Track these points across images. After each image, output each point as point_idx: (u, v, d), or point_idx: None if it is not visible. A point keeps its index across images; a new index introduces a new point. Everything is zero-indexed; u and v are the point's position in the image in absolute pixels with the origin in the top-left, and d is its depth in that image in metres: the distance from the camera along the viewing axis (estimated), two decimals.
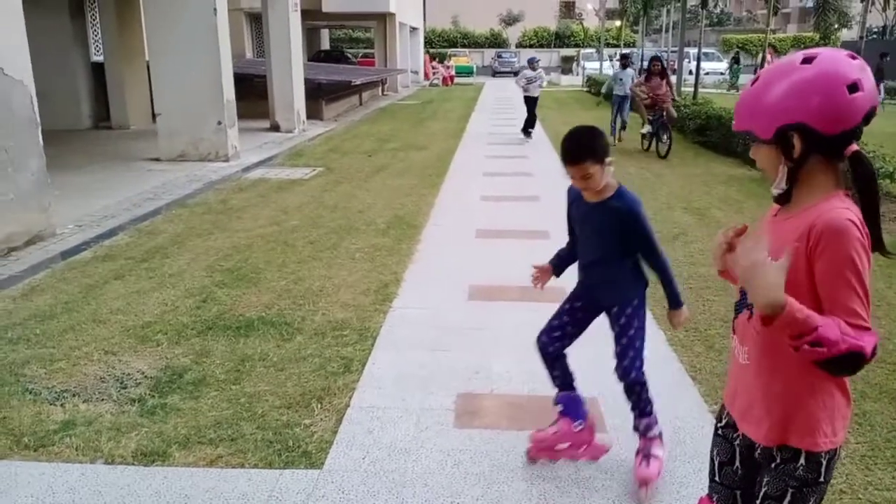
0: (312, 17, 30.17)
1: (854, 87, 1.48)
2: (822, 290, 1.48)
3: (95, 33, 16.21)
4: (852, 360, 1.42)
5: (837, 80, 1.49)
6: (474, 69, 47.43)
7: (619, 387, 3.68)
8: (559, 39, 61.40)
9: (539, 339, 2.93)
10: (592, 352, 4.03)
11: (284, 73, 14.82)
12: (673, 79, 13.95)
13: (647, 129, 12.19)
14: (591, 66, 38.10)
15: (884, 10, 27.81)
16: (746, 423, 1.70)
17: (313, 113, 17.02)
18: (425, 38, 46.99)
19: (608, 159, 2.62)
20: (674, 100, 12.30)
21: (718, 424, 1.84)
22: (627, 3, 36.69)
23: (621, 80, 13.32)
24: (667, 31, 42.55)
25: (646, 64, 19.24)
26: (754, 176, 9.41)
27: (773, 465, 1.65)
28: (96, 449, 3.11)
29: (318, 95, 17.68)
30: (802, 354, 1.44)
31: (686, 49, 22.15)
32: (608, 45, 45.73)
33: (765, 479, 1.68)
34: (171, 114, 10.71)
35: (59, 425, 3.30)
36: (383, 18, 32.20)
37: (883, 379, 3.74)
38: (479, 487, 2.86)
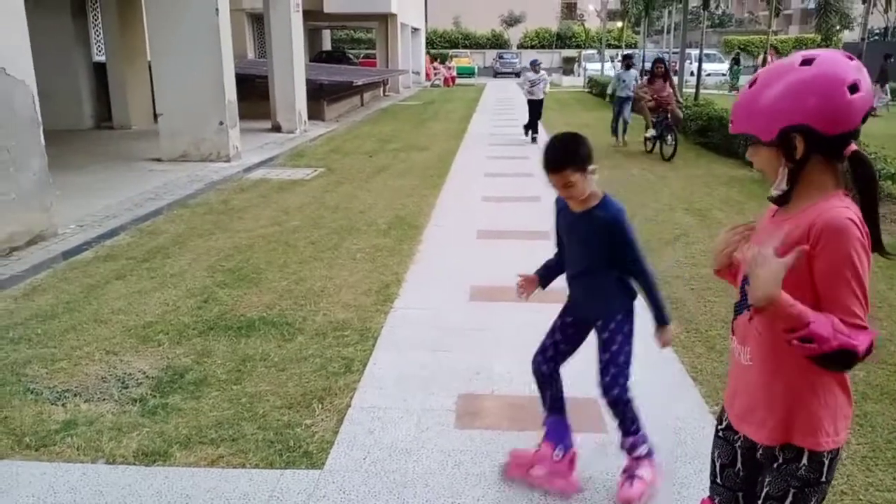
0: (314, 17, 30.20)
1: (854, 87, 1.49)
2: (821, 288, 1.49)
3: (97, 33, 16.24)
4: (843, 357, 1.45)
5: (838, 81, 1.49)
6: (476, 70, 47.44)
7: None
8: (561, 40, 61.39)
9: (534, 359, 2.87)
10: (589, 353, 4.03)
11: (286, 73, 14.83)
12: (675, 80, 13.89)
13: (650, 132, 12.09)
14: (593, 68, 38.10)
15: (885, 11, 27.79)
16: (747, 423, 1.70)
17: (315, 113, 17.03)
18: (427, 38, 47.03)
19: (591, 167, 2.55)
20: (678, 101, 12.23)
21: (719, 426, 1.84)
22: (629, 4, 36.69)
23: (624, 81, 13.24)
24: (668, 32, 42.53)
25: (647, 65, 19.18)
26: (755, 177, 9.41)
27: (775, 466, 1.65)
28: (97, 449, 3.12)
29: (320, 96, 17.69)
30: (796, 350, 1.46)
31: (687, 50, 22.14)
32: (609, 46, 45.75)
33: (766, 480, 1.68)
34: (173, 114, 10.72)
35: (61, 425, 3.30)
36: (385, 19, 32.22)
37: (884, 380, 3.74)
38: (480, 488, 2.86)
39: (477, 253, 6.24)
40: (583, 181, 2.54)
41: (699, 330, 4.48)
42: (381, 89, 28.58)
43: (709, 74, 30.68)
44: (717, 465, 1.85)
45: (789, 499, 1.63)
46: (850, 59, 1.54)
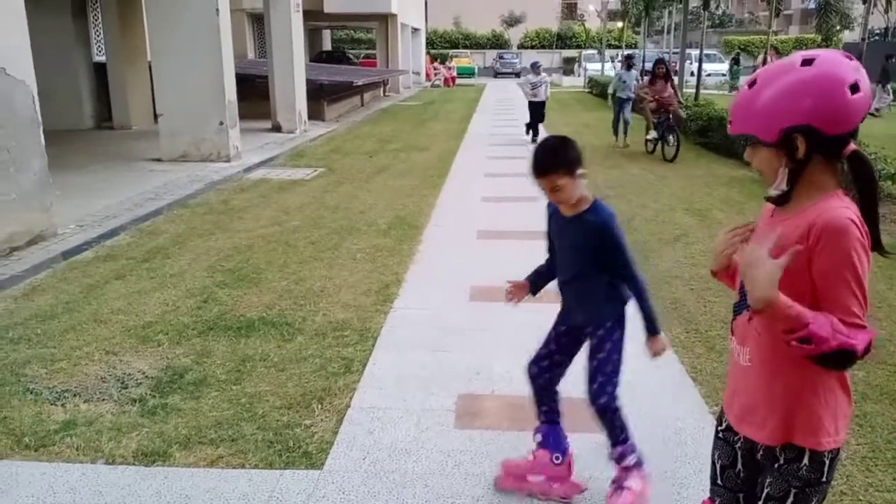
0: (314, 17, 30.20)
1: (855, 87, 1.49)
2: (820, 288, 1.50)
3: (97, 33, 16.24)
4: (842, 357, 1.45)
5: (840, 81, 1.49)
6: (476, 70, 47.44)
7: (620, 388, 3.68)
8: (561, 40, 61.39)
9: (528, 368, 2.81)
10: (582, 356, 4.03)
11: (286, 73, 14.83)
12: (675, 80, 13.81)
13: (652, 135, 12.00)
14: (593, 68, 38.09)
15: (886, 11, 27.78)
16: (747, 424, 1.70)
17: (315, 113, 17.03)
18: (427, 39, 47.02)
19: (580, 171, 2.50)
20: (679, 102, 12.14)
21: (719, 428, 1.84)
22: (629, 5, 36.67)
23: (624, 81, 13.14)
24: (668, 32, 42.52)
25: (648, 66, 19.12)
26: (755, 177, 9.39)
27: (776, 466, 1.65)
28: (97, 449, 3.12)
29: (320, 96, 17.69)
30: (793, 350, 1.46)
31: (688, 50, 22.14)
32: (610, 46, 45.74)
33: (767, 480, 1.67)
34: (173, 114, 10.72)
35: (60, 425, 3.30)
36: (385, 19, 32.23)
37: (884, 380, 3.73)
38: (480, 488, 2.86)
39: (477, 253, 6.23)
40: (571, 185, 2.50)
41: (699, 330, 4.48)
42: (382, 89, 28.59)
43: (709, 75, 30.65)
44: (718, 466, 1.84)
45: (790, 499, 1.63)
46: (850, 58, 1.54)
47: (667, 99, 11.63)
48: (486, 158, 11.84)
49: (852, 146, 1.56)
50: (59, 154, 9.75)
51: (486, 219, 7.46)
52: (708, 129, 12.65)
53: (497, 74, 49.11)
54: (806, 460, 1.61)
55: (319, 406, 3.50)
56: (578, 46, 56.82)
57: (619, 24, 45.63)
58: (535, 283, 2.82)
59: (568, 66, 50.00)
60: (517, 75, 47.85)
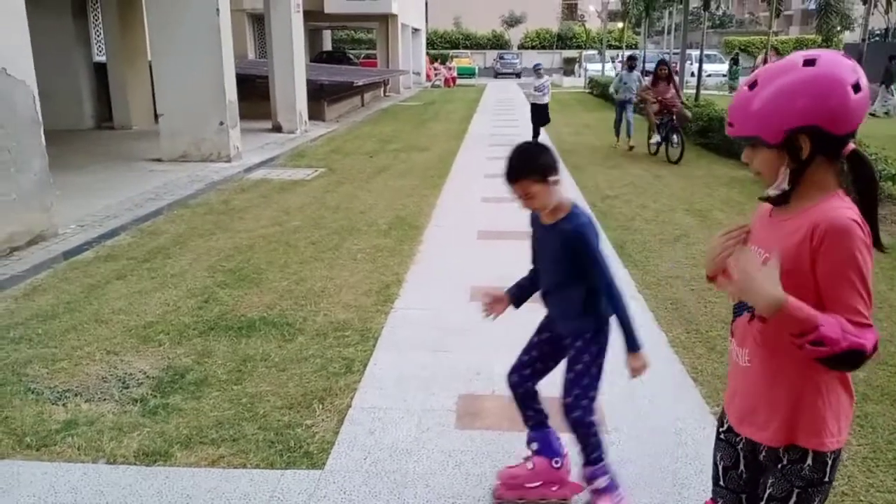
0: (315, 18, 30.23)
1: (857, 86, 1.50)
2: (825, 288, 1.50)
3: (98, 33, 16.25)
4: (853, 357, 1.45)
5: (843, 81, 1.49)
6: (476, 70, 47.44)
7: (620, 388, 3.69)
8: (561, 41, 61.38)
9: (509, 377, 2.75)
10: None
11: (287, 73, 14.83)
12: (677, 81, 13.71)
13: (655, 139, 11.86)
14: (594, 68, 38.11)
15: (886, 12, 27.78)
16: (747, 425, 1.70)
17: (315, 114, 17.04)
18: (427, 39, 47.03)
19: (553, 178, 2.43)
20: (683, 102, 12.00)
21: (720, 429, 1.84)
22: (630, 5, 36.68)
23: (625, 83, 12.94)
24: (669, 32, 42.51)
25: (648, 66, 19.08)
26: (756, 178, 9.40)
27: (779, 467, 1.65)
28: (98, 449, 3.12)
29: (321, 96, 17.70)
30: (805, 352, 1.45)
31: (688, 51, 22.13)
32: (610, 46, 45.73)
33: (769, 481, 1.68)
34: (174, 114, 10.72)
35: (62, 425, 3.30)
36: (385, 20, 32.25)
37: (885, 381, 3.74)
38: (481, 488, 2.86)
39: (477, 253, 6.23)
40: (545, 192, 2.44)
41: (699, 330, 4.48)
42: (382, 90, 28.60)
43: (709, 75, 30.65)
44: (720, 467, 1.84)
45: (793, 499, 1.63)
46: (848, 58, 1.55)
47: (669, 100, 11.54)
48: (487, 159, 11.83)
49: (851, 145, 1.56)
50: (60, 154, 9.75)
51: (486, 219, 7.46)
52: (708, 130, 12.63)
53: (497, 75, 49.10)
54: (809, 461, 1.61)
55: (320, 406, 3.51)
56: (579, 47, 56.84)
57: (620, 25, 45.65)
58: (517, 295, 2.74)
59: (568, 67, 50.01)
60: (518, 76, 47.85)
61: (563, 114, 19.97)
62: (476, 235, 6.80)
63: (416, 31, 38.04)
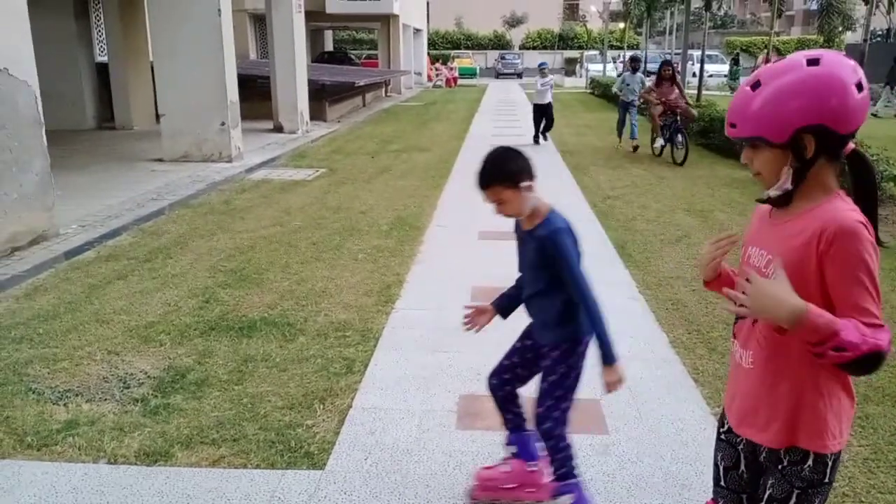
0: (316, 18, 30.22)
1: (860, 86, 1.50)
2: (835, 290, 1.49)
3: (100, 34, 16.27)
4: (873, 360, 1.43)
5: (847, 80, 1.50)
6: (477, 71, 47.45)
7: (621, 389, 3.69)
8: (563, 41, 61.35)
9: (489, 380, 2.73)
10: (591, 354, 4.03)
11: (288, 74, 14.84)
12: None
13: (659, 142, 11.74)
14: (595, 68, 38.09)
15: (888, 12, 27.75)
16: (747, 426, 1.70)
17: (317, 114, 17.04)
18: (429, 39, 47.02)
19: (524, 183, 2.37)
20: (687, 103, 11.87)
21: (721, 430, 1.84)
22: (631, 6, 36.66)
23: (628, 84, 12.80)
24: (670, 33, 42.52)
25: (650, 66, 19.01)
26: (756, 179, 9.39)
27: (779, 468, 1.65)
28: (99, 449, 3.12)
29: (322, 96, 17.70)
30: (827, 360, 1.43)
31: (689, 51, 22.13)
32: (612, 47, 45.72)
33: (769, 482, 1.67)
34: (175, 114, 10.73)
35: (63, 425, 3.31)
36: (387, 20, 32.25)
37: (886, 382, 3.73)
38: None
39: (478, 254, 6.23)
40: (516, 199, 2.38)
41: (700, 331, 4.48)
42: (383, 90, 28.61)
43: (711, 76, 30.66)
44: (721, 467, 1.84)
45: (793, 500, 1.63)
46: (848, 58, 1.55)
47: (673, 101, 11.42)
48: None
49: (851, 145, 1.56)
50: (61, 154, 9.77)
51: (487, 220, 7.43)
52: (710, 130, 12.61)
53: (499, 75, 49.09)
54: (809, 462, 1.61)
55: (321, 406, 3.51)
56: (580, 47, 56.79)
57: (621, 25, 45.65)
58: (503, 306, 2.69)
59: (570, 67, 50.00)
60: (519, 76, 47.83)
61: (565, 114, 19.95)
62: (477, 236, 6.80)
63: (417, 31, 38.05)
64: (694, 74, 24.06)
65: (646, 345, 4.30)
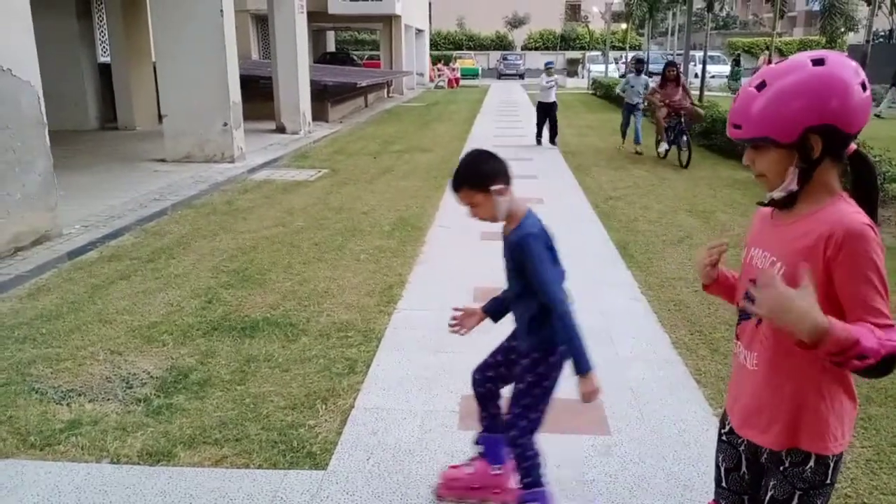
0: (318, 19, 30.27)
1: (864, 85, 1.50)
2: (844, 291, 1.48)
3: (102, 34, 16.29)
4: (890, 362, 1.42)
5: (853, 80, 1.50)
6: (479, 71, 47.45)
7: (623, 390, 3.69)
8: (565, 42, 61.33)
9: (473, 374, 2.70)
10: (594, 355, 4.03)
11: (290, 74, 14.85)
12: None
13: (664, 146, 11.61)
14: (597, 69, 38.10)
15: (891, 13, 27.71)
16: (750, 427, 1.70)
17: (319, 115, 17.05)
18: (431, 40, 47.02)
19: (496, 187, 2.32)
20: (692, 103, 11.69)
21: (722, 431, 1.84)
22: (633, 6, 36.67)
23: (632, 86, 12.66)
24: (672, 34, 42.50)
25: (651, 67, 18.95)
26: (758, 180, 9.38)
27: (780, 469, 1.65)
28: (102, 448, 3.13)
29: (324, 97, 17.72)
30: (849, 367, 1.42)
31: (692, 52, 22.12)
32: (614, 47, 45.72)
33: (771, 483, 1.67)
34: (177, 115, 10.74)
35: (65, 425, 3.31)
36: (389, 21, 32.28)
37: (888, 383, 3.73)
38: None
39: (480, 254, 6.22)
40: (487, 203, 2.34)
41: (703, 332, 4.47)
42: (385, 91, 28.62)
43: (713, 76, 30.67)
44: (722, 469, 1.84)
45: (795, 501, 1.63)
46: (850, 59, 1.56)
47: (677, 102, 11.28)
48: None
49: (853, 146, 1.56)
50: (64, 154, 9.79)
51: None
52: (712, 132, 12.60)
53: (501, 76, 49.09)
54: (811, 463, 1.61)
55: (323, 406, 3.51)
56: (582, 48, 56.75)
57: (623, 26, 45.61)
58: (494, 310, 2.64)
59: (572, 68, 49.97)
60: (521, 77, 47.82)
61: (567, 115, 19.95)
62: (479, 236, 6.80)
63: (419, 31, 38.06)
64: (696, 75, 24.05)
65: (648, 346, 4.30)
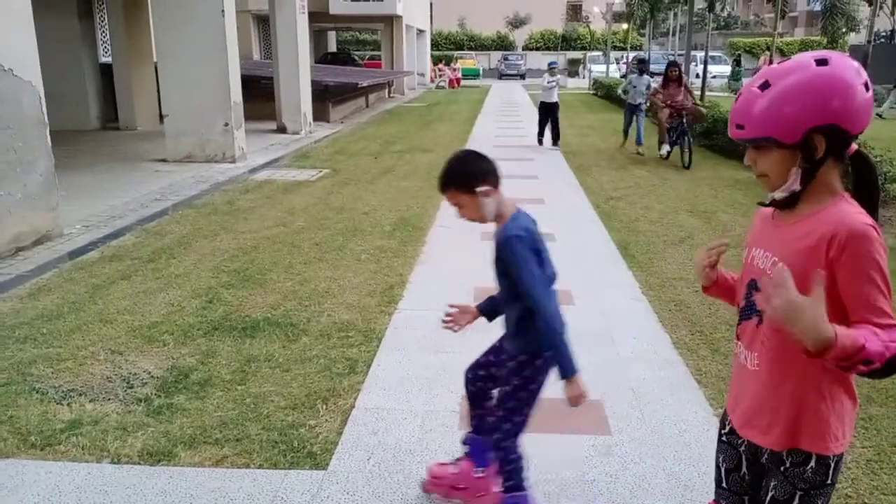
0: (319, 19, 30.28)
1: (867, 86, 1.50)
2: (847, 292, 1.48)
3: (103, 34, 16.30)
4: (895, 364, 1.41)
5: (856, 80, 1.50)
6: (480, 72, 47.44)
7: (624, 390, 3.69)
8: (566, 42, 61.29)
9: (466, 372, 2.69)
10: (595, 355, 4.03)
11: (291, 74, 14.86)
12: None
13: (665, 148, 11.54)
14: (598, 69, 38.09)
15: (892, 13, 27.70)
16: (751, 428, 1.70)
17: (320, 115, 17.06)
18: (432, 40, 47.02)
19: (481, 188, 2.28)
20: (695, 103, 11.62)
21: (722, 431, 1.84)
22: (634, 6, 36.67)
23: (635, 86, 12.58)
24: (673, 34, 42.49)
25: (653, 67, 18.94)
26: (759, 180, 9.37)
27: (781, 469, 1.65)
28: (103, 448, 3.13)
29: (325, 97, 17.72)
30: (855, 372, 1.42)
31: (693, 52, 22.12)
32: (615, 48, 45.71)
33: (772, 483, 1.67)
34: (179, 115, 10.75)
35: (66, 424, 3.31)
36: (390, 21, 32.29)
37: (889, 383, 3.72)
38: None
39: (481, 254, 6.19)
40: (472, 203, 2.31)
41: (704, 332, 4.47)
42: (386, 91, 28.63)
43: (714, 77, 30.67)
44: (722, 469, 1.84)
45: (795, 501, 1.63)
46: (852, 59, 1.55)
47: (680, 103, 11.21)
48: None
49: (854, 146, 1.56)
50: (65, 154, 9.80)
51: None
52: (713, 132, 12.59)
53: (502, 76, 49.08)
54: (812, 463, 1.61)
55: (324, 406, 3.51)
56: (583, 48, 56.69)
57: (625, 26, 45.61)
58: (489, 309, 2.61)
59: (573, 68, 49.97)
60: (522, 77, 47.81)
61: (568, 115, 19.95)
62: (480, 237, 6.79)
63: (420, 32, 38.07)
64: (697, 76, 24.06)
65: (649, 346, 4.29)
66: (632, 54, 27.96)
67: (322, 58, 35.69)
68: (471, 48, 60.29)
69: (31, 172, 6.22)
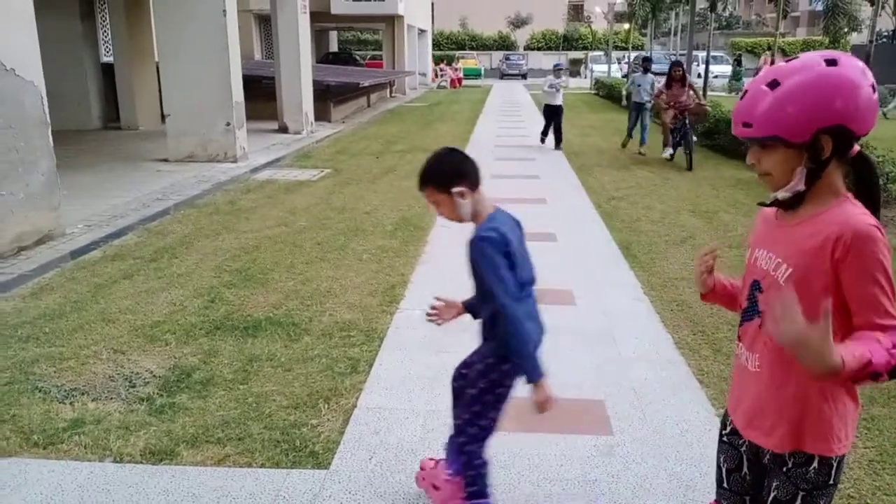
0: (321, 19, 30.29)
1: (873, 87, 1.50)
2: (852, 293, 1.48)
3: (105, 34, 16.31)
4: None
5: (865, 81, 1.49)
6: (482, 72, 47.44)
7: (625, 390, 3.69)
8: (567, 42, 61.26)
9: (455, 370, 2.69)
10: (597, 355, 4.03)
11: (293, 74, 14.86)
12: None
13: (668, 152, 11.47)
14: (600, 69, 38.07)
15: (894, 13, 27.66)
16: (753, 429, 1.70)
17: (321, 114, 17.07)
18: (433, 40, 47.01)
19: (457, 189, 2.25)
20: (700, 102, 11.49)
21: (723, 431, 1.84)
22: (636, 6, 36.64)
23: (639, 85, 12.53)
24: (675, 34, 42.46)
25: (654, 68, 18.93)
26: (762, 180, 9.35)
27: (783, 470, 1.65)
28: (105, 447, 3.13)
29: (327, 97, 17.73)
30: (864, 383, 1.43)
31: (694, 52, 22.10)
32: (616, 48, 45.70)
33: (774, 484, 1.67)
34: (180, 115, 10.76)
35: (68, 423, 3.32)
36: (392, 21, 32.30)
37: (891, 384, 3.72)
38: None
39: None
40: (448, 203, 2.28)
41: (705, 332, 4.47)
42: (388, 90, 28.63)
43: (716, 76, 30.65)
44: (724, 469, 1.84)
45: (798, 502, 1.63)
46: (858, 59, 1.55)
47: (684, 103, 11.13)
48: (493, 160, 11.82)
49: (857, 147, 1.56)
50: (67, 154, 9.81)
51: None
52: (715, 131, 12.58)
53: (503, 76, 49.06)
54: (814, 464, 1.61)
55: (326, 406, 3.52)
56: (585, 48, 56.70)
57: (626, 26, 45.60)
58: (472, 307, 2.55)
59: (574, 68, 49.97)
60: (524, 77, 47.80)
61: (570, 115, 19.89)
62: None
63: (422, 32, 38.07)
64: (699, 75, 24.04)
65: (651, 346, 4.29)
66: (633, 54, 27.97)
67: (324, 58, 35.70)
68: (472, 48, 60.28)
69: (33, 172, 6.22)
